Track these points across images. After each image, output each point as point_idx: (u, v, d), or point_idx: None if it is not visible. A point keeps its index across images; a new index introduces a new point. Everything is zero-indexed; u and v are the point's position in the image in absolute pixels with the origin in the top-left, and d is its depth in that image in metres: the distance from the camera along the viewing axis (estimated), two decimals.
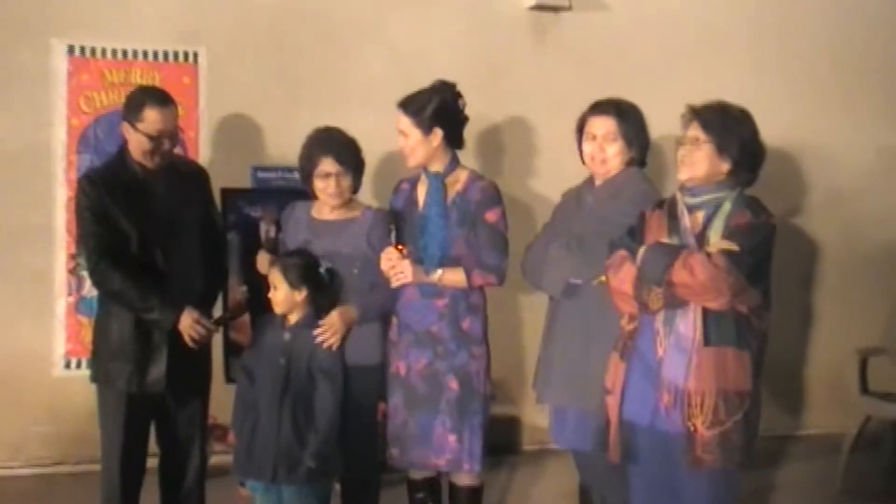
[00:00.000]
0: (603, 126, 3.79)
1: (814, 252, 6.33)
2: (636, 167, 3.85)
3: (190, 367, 3.93)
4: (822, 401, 6.25)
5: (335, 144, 3.95)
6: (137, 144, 3.84)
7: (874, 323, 5.98)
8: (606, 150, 3.79)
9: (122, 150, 3.92)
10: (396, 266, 3.88)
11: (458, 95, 4.01)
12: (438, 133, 3.94)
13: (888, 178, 6.38)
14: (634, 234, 3.43)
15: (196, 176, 4.12)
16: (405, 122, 3.95)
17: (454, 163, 4.03)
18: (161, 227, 3.86)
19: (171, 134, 3.88)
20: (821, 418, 6.25)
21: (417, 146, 3.96)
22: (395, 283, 3.92)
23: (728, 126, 3.27)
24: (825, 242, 6.32)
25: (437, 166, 4.00)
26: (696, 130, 3.31)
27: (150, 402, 3.94)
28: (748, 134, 3.28)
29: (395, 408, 4.04)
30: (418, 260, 3.92)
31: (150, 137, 3.80)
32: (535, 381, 3.98)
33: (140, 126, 3.81)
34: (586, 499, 4.03)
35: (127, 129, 3.86)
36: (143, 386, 3.85)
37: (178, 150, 4.37)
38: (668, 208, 3.39)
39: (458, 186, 3.99)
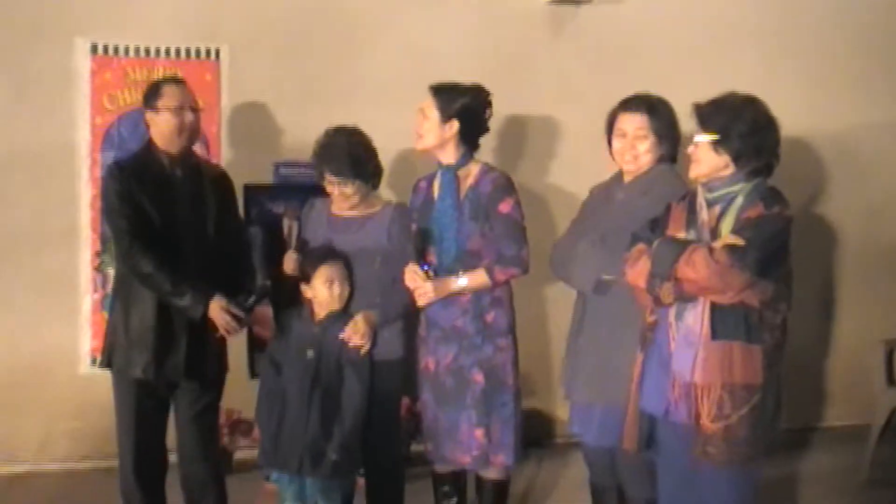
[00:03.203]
0: (633, 123, 3.79)
1: (834, 241, 6.27)
2: (667, 163, 3.84)
3: (206, 359, 3.96)
4: (845, 392, 6.21)
5: (334, 156, 3.96)
6: (163, 125, 3.90)
7: None
8: (637, 147, 3.79)
9: (148, 142, 3.99)
10: (420, 287, 3.91)
11: (489, 104, 4.05)
12: (455, 125, 3.96)
13: None
14: (656, 227, 3.44)
15: (221, 179, 4.15)
16: (429, 103, 3.99)
17: (467, 157, 4.04)
18: (183, 217, 3.90)
19: (192, 107, 3.95)
20: (843, 410, 6.21)
21: (431, 130, 3.98)
22: (419, 303, 3.95)
23: (723, 120, 3.27)
24: (846, 231, 6.25)
25: (449, 159, 4.02)
26: (695, 128, 3.33)
27: (166, 393, 3.97)
28: (747, 124, 3.26)
29: (426, 404, 4.07)
30: (441, 265, 3.94)
31: (172, 110, 3.89)
32: (563, 375, 3.97)
33: (160, 103, 3.90)
34: (600, 497, 4.03)
35: (150, 118, 3.95)
36: (159, 374, 3.88)
37: (201, 148, 4.42)
38: (689, 202, 3.40)
39: (471, 180, 4.01)
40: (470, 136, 4.03)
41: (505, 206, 3.97)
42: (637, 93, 3.88)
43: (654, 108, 3.81)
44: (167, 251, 3.84)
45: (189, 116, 3.94)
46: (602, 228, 3.76)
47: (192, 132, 3.98)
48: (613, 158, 3.90)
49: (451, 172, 4.01)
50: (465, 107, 3.97)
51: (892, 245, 6.25)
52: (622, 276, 3.57)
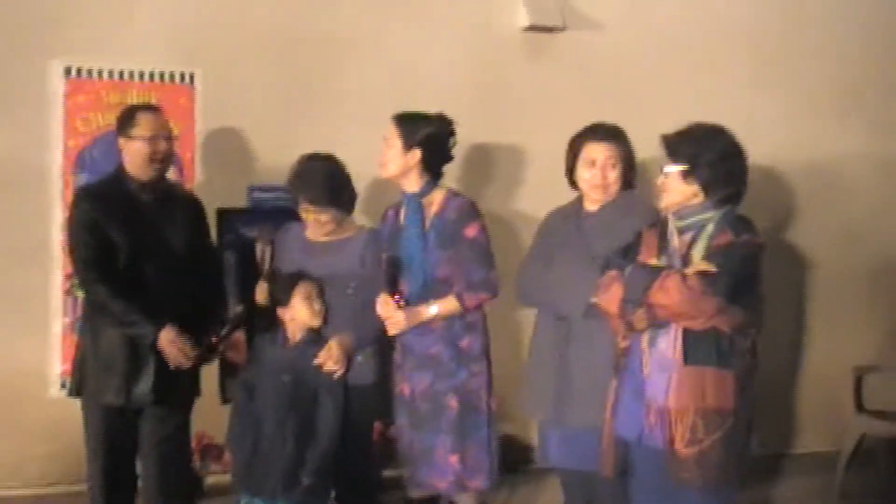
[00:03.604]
0: (603, 152, 3.84)
1: (808, 268, 6.32)
2: (632, 189, 3.89)
3: (176, 384, 3.94)
4: (816, 419, 6.24)
5: (310, 184, 3.98)
6: (136, 153, 3.90)
7: (868, 340, 6.01)
8: (608, 176, 3.83)
9: (119, 167, 3.98)
10: (392, 316, 3.92)
11: (452, 133, 4.09)
12: (417, 154, 4.00)
13: (882, 192, 6.38)
14: (628, 253, 3.46)
15: (191, 203, 4.16)
16: (392, 132, 4.03)
17: (431, 184, 4.07)
18: (151, 243, 3.90)
19: (166, 136, 3.95)
20: (815, 436, 6.24)
21: (394, 158, 4.02)
22: (391, 332, 3.97)
23: (692, 150, 3.31)
24: (819, 258, 6.30)
25: (413, 187, 4.05)
26: (663, 159, 3.36)
27: (134, 417, 3.95)
28: (715, 154, 3.30)
29: (401, 429, 4.08)
30: (410, 293, 3.95)
31: (146, 139, 3.87)
32: (536, 401, 3.94)
33: (134, 132, 3.90)
34: None
35: (123, 144, 3.94)
36: (129, 400, 3.86)
37: (174, 174, 4.41)
38: (660, 229, 3.43)
39: (435, 207, 4.04)
40: (433, 165, 4.06)
41: (471, 231, 3.99)
42: (596, 122, 3.93)
43: (620, 136, 3.89)
44: (130, 277, 3.85)
45: (163, 145, 3.94)
46: (582, 254, 3.76)
47: (165, 160, 3.99)
48: (576, 186, 3.94)
49: (416, 201, 4.03)
50: (428, 136, 4.00)
51: (863, 272, 6.31)
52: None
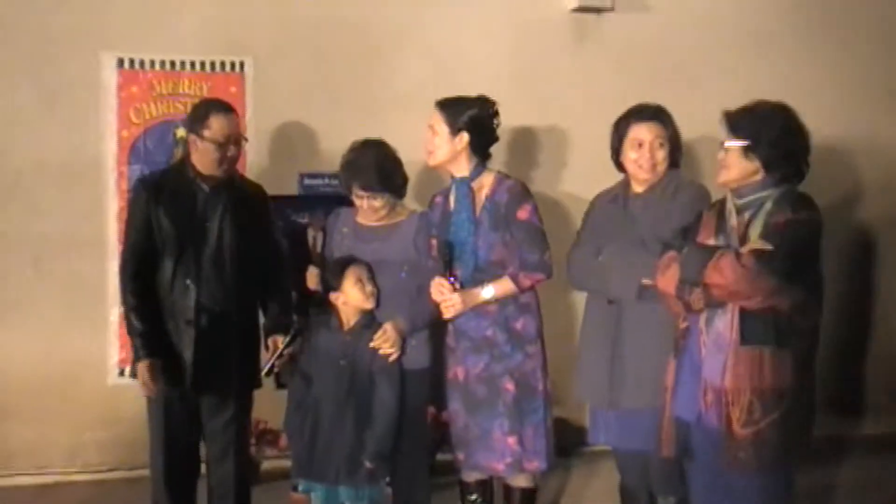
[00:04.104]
0: (651, 132, 3.82)
1: (868, 245, 6.25)
2: (677, 169, 3.87)
3: (220, 373, 3.96)
4: (881, 400, 6.17)
5: (362, 170, 3.97)
6: (204, 153, 3.91)
7: None
8: (657, 156, 3.81)
9: (184, 159, 4.01)
10: (448, 299, 3.92)
11: (496, 113, 4.08)
12: (465, 137, 3.99)
13: None
14: (687, 235, 3.44)
15: (253, 196, 4.14)
16: (437, 119, 4.03)
17: (480, 168, 4.06)
18: (199, 234, 3.91)
19: (237, 140, 3.96)
20: (881, 418, 6.17)
21: (442, 144, 4.01)
22: (447, 315, 3.96)
23: (754, 127, 3.28)
24: (878, 236, 6.23)
25: (463, 171, 4.04)
26: (725, 134, 3.33)
27: (195, 404, 4.00)
28: (777, 131, 3.27)
29: (456, 413, 4.07)
30: (462, 278, 3.95)
31: (217, 144, 3.88)
32: (589, 384, 3.93)
33: (206, 133, 3.89)
34: (630, 499, 4.03)
35: (193, 141, 3.94)
36: (174, 387, 3.91)
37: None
38: (719, 209, 3.42)
39: (486, 190, 4.03)
40: (480, 147, 4.05)
41: (523, 213, 3.98)
42: (641, 103, 3.90)
43: (666, 116, 3.87)
44: (173, 268, 3.88)
45: (232, 150, 3.94)
46: (631, 236, 3.75)
47: (232, 163, 3.99)
48: (622, 168, 3.92)
49: (466, 185, 4.03)
50: (473, 118, 4.00)
51: None
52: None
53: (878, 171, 6.19)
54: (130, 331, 3.94)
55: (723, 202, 3.42)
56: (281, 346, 3.96)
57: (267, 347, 4.09)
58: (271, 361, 3.97)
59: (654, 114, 3.86)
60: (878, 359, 6.23)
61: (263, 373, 4.01)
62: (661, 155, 3.82)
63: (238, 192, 4.03)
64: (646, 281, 3.64)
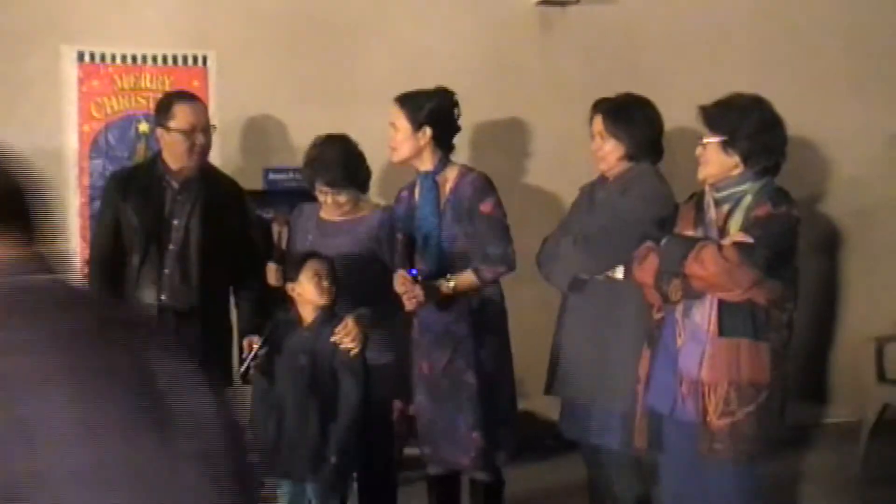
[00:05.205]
0: (598, 125, 3.85)
1: (832, 240, 6.30)
2: (647, 163, 3.83)
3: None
4: (844, 389, 6.22)
5: (326, 166, 3.95)
6: (173, 145, 3.88)
7: (893, 310, 5.97)
8: (604, 147, 3.81)
9: (157, 155, 3.98)
10: (409, 291, 3.91)
11: (456, 104, 4.07)
12: (427, 132, 3.98)
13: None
14: (664, 226, 3.45)
15: (226, 190, 4.11)
16: (398, 115, 4.01)
17: (444, 162, 4.05)
18: (166, 230, 3.88)
19: (204, 128, 3.92)
20: (843, 407, 6.22)
21: (405, 141, 4.00)
22: (409, 308, 3.95)
23: (731, 121, 3.29)
24: (843, 230, 6.29)
25: (427, 165, 4.03)
26: (703, 130, 3.34)
27: None
28: (755, 124, 3.28)
29: (421, 406, 4.06)
30: (426, 272, 3.94)
31: (184, 133, 3.85)
32: (547, 373, 3.99)
33: (172, 124, 3.87)
34: (596, 492, 4.04)
35: (161, 135, 3.92)
36: None
37: None
38: (697, 201, 3.42)
39: (450, 184, 4.03)
40: (444, 139, 4.04)
41: (486, 207, 3.98)
42: (619, 93, 3.90)
43: (612, 109, 3.84)
44: (140, 262, 3.85)
45: (200, 138, 3.91)
46: (583, 227, 3.79)
47: (203, 153, 3.96)
48: None
49: (430, 179, 4.03)
50: (434, 111, 3.99)
51: (886, 243, 6.27)
52: (597, 275, 3.68)
53: (844, 165, 6.24)
54: None
55: (701, 195, 3.43)
56: (256, 348, 3.94)
57: (241, 349, 4.06)
58: (246, 363, 3.94)
59: (601, 105, 3.87)
60: (841, 349, 6.29)
61: (240, 375, 3.99)
62: (607, 147, 3.82)
63: (209, 188, 4.00)
64: (579, 275, 3.66)
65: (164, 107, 3.94)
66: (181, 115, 3.88)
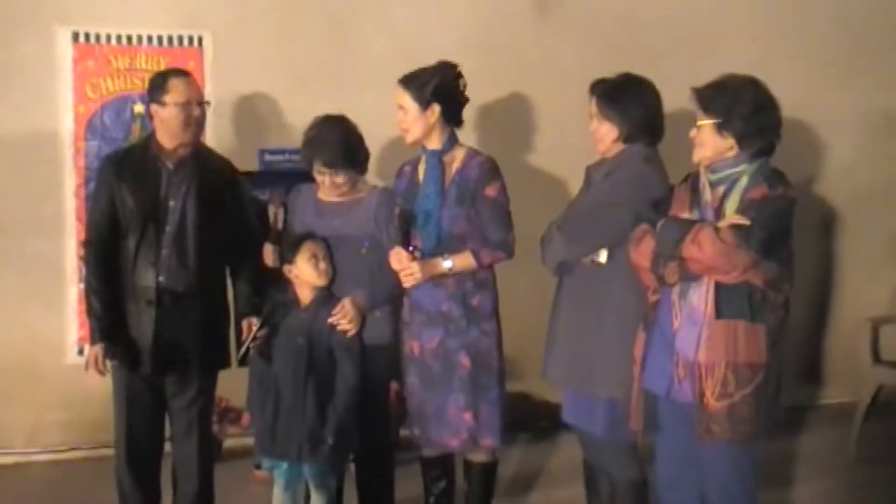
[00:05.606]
0: (592, 106, 3.80)
1: (828, 222, 6.31)
2: (640, 145, 3.78)
3: (185, 353, 3.94)
4: (839, 370, 6.25)
5: (325, 147, 3.92)
6: (168, 120, 3.88)
7: (888, 291, 5.99)
8: (598, 130, 3.78)
9: (149, 137, 3.98)
10: (407, 268, 3.90)
11: (459, 75, 4.03)
12: (436, 109, 3.95)
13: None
14: (659, 208, 3.44)
15: (221, 171, 4.10)
16: (404, 97, 3.97)
17: (452, 140, 4.03)
18: (162, 210, 3.88)
19: (199, 101, 3.93)
20: (838, 388, 6.25)
21: (415, 121, 3.96)
22: (406, 284, 3.94)
23: (725, 103, 3.27)
24: (839, 212, 6.30)
25: (435, 144, 4.01)
26: (697, 112, 3.33)
27: (159, 382, 3.98)
28: (749, 106, 3.26)
29: (412, 388, 4.06)
30: (423, 250, 3.93)
31: (180, 105, 3.85)
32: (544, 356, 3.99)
33: (167, 98, 3.87)
34: (592, 475, 4.05)
35: (156, 112, 3.91)
36: (133, 367, 3.90)
37: None
38: (692, 183, 3.41)
39: (457, 164, 4.00)
40: (452, 113, 4.02)
41: (491, 191, 3.96)
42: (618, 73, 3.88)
43: (603, 91, 3.76)
44: (138, 246, 3.86)
45: (196, 111, 3.92)
46: (569, 210, 3.78)
47: (198, 126, 3.96)
48: None
49: (437, 158, 4.00)
50: (439, 86, 3.95)
51: (881, 224, 6.29)
52: (580, 258, 3.64)
53: (840, 146, 6.24)
54: (89, 312, 3.92)
55: (696, 176, 3.41)
56: (255, 329, 3.94)
57: (239, 330, 4.07)
58: (246, 345, 3.94)
59: (594, 87, 3.79)
60: (837, 330, 6.31)
61: (238, 357, 3.99)
62: (602, 129, 3.73)
63: (203, 169, 3.98)
64: (564, 257, 3.67)
65: (159, 83, 3.93)
66: (177, 89, 3.89)
